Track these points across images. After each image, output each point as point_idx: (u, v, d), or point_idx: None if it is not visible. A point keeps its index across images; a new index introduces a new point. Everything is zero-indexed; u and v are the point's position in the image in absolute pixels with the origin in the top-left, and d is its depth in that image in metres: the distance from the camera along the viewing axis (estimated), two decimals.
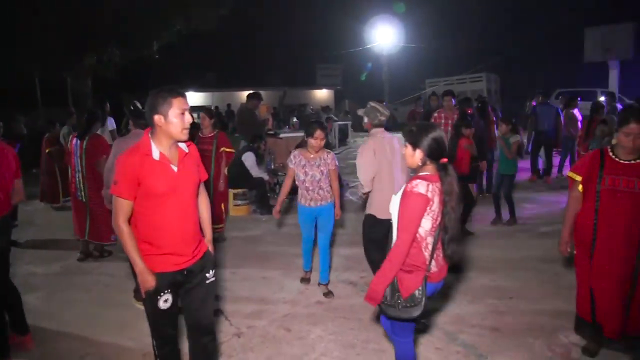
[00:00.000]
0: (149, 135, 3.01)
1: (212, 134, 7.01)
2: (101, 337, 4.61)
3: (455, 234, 3.07)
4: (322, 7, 28.85)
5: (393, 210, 3.14)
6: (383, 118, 5.02)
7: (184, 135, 3.02)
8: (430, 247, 3.05)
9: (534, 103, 12.81)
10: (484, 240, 7.20)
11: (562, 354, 4.12)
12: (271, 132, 10.71)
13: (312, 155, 5.29)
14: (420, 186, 2.96)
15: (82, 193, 6.49)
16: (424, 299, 3.04)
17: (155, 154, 2.98)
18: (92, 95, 18.04)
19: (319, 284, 5.54)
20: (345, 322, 4.79)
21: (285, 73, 28.19)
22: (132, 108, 5.26)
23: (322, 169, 5.26)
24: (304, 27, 29.04)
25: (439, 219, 3.02)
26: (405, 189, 3.02)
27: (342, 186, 9.97)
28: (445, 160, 3.08)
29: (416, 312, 3.03)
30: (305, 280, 5.81)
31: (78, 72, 17.57)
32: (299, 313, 5.00)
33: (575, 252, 4.05)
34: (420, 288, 3.04)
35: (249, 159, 8.91)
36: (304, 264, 5.83)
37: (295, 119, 15.33)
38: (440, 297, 5.25)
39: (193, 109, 6.50)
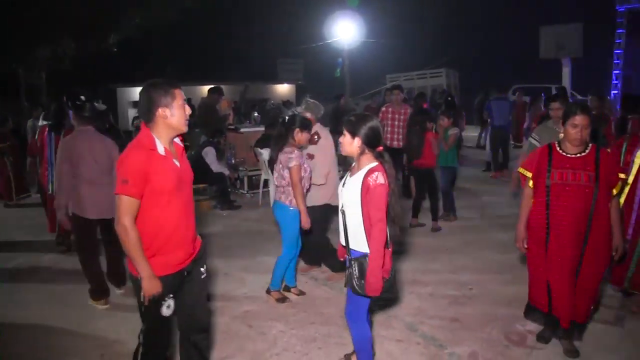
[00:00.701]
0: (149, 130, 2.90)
1: None
2: (57, 338, 4.50)
3: (398, 214, 3.31)
4: (283, 1, 28.70)
5: (347, 200, 3.32)
6: (322, 112, 5.62)
7: (186, 126, 3.00)
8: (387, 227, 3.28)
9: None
10: (444, 233, 7.31)
11: (518, 342, 4.22)
12: (232, 127, 10.60)
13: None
14: (380, 177, 3.17)
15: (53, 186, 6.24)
16: (395, 272, 3.44)
17: (160, 149, 2.88)
18: (47, 89, 17.53)
19: (288, 286, 5.34)
20: (307, 316, 4.79)
21: (246, 67, 27.94)
22: (77, 102, 5.01)
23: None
24: (265, 21, 28.86)
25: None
26: (366, 183, 3.17)
27: None
28: (381, 148, 3.34)
29: (392, 284, 3.40)
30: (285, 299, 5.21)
31: (31, 64, 17.03)
32: (261, 309, 4.98)
33: (530, 246, 4.06)
34: (392, 265, 3.36)
35: (209, 154, 8.81)
36: (287, 279, 5.31)
37: (256, 114, 15.23)
38: (401, 289, 5.32)
39: None
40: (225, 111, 11.62)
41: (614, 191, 3.82)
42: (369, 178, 3.17)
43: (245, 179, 9.81)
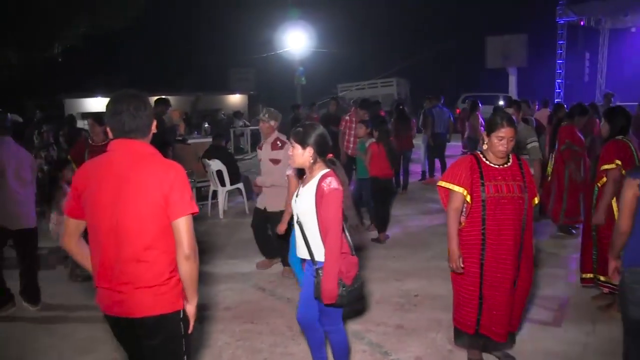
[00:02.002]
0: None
1: (105, 142, 6.65)
2: None
3: (352, 218, 3.40)
4: (234, 11, 28.62)
5: (302, 210, 3.34)
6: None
7: None
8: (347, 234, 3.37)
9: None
10: (390, 242, 7.39)
11: (461, 346, 4.29)
12: (179, 138, 10.47)
13: None
14: (333, 182, 3.20)
15: None
16: (361, 279, 3.41)
17: None
18: None
19: None
20: (253, 327, 4.76)
21: (198, 77, 27.71)
22: None
23: None
24: (216, 31, 28.69)
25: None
26: (320, 189, 3.19)
27: (252, 191, 9.93)
28: (331, 155, 3.38)
29: (361, 291, 3.43)
30: None
31: None
32: (207, 320, 4.92)
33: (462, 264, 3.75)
34: (357, 270, 3.36)
35: None
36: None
37: (207, 125, 15.11)
38: None
39: (98, 115, 6.16)
40: (176, 122, 11.47)
41: (535, 200, 3.79)
42: (322, 184, 3.19)
43: (195, 191, 9.69)
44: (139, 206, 2.47)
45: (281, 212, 5.28)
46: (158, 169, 2.52)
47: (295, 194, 3.44)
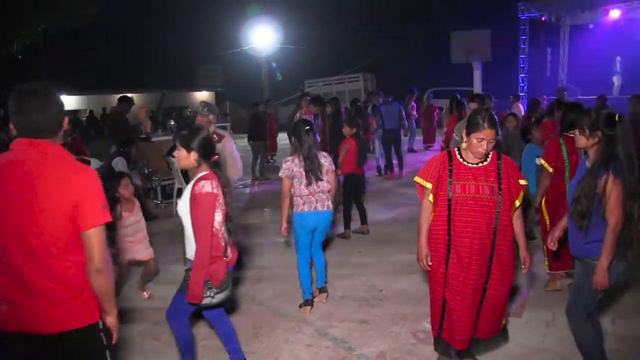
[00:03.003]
0: None
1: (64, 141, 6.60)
2: None
3: (239, 221, 3.36)
4: (199, 7, 28.35)
5: (181, 210, 3.43)
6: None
7: None
8: (225, 236, 3.45)
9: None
10: (355, 237, 7.41)
11: (425, 340, 4.32)
12: (143, 136, 10.33)
13: None
14: (206, 186, 3.26)
15: None
16: (230, 281, 3.48)
17: None
18: None
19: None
20: None
21: (164, 75, 27.37)
22: None
23: None
24: (182, 27, 28.38)
25: (225, 210, 3.42)
26: (193, 191, 3.27)
27: None
28: (215, 158, 3.48)
29: (228, 294, 3.45)
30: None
31: None
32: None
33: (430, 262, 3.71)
34: (227, 273, 3.44)
35: (119, 164, 8.51)
36: (306, 292, 5.01)
37: (173, 122, 14.91)
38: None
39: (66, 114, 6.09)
40: (142, 120, 11.34)
41: (517, 202, 3.55)
42: (195, 186, 3.27)
43: (159, 189, 9.58)
44: (46, 215, 2.26)
45: None
46: (66, 174, 2.30)
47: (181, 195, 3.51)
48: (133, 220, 5.16)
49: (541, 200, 5.21)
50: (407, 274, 5.84)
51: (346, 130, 7.37)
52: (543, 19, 21.20)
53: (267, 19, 23.58)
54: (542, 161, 5.12)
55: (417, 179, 3.70)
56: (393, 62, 28.23)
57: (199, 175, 3.36)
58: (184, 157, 3.39)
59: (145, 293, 5.43)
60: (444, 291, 3.63)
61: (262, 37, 23.64)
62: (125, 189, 5.08)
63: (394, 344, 4.31)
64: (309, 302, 4.97)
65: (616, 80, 19.00)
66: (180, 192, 8.85)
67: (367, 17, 29.45)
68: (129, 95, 10.22)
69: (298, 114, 9.59)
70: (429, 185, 3.61)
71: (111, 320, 2.53)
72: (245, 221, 8.61)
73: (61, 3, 16.93)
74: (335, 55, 27.75)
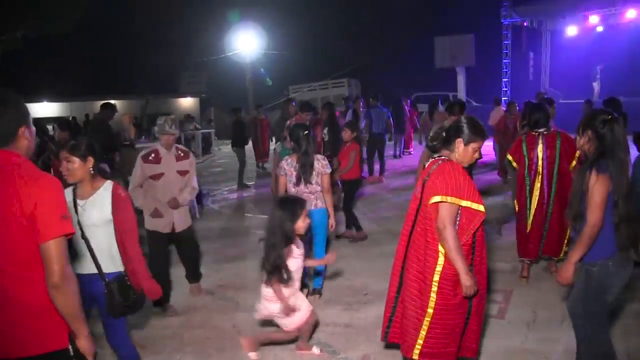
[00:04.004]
0: None
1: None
2: None
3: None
4: (183, 13, 28.24)
5: (93, 221, 3.32)
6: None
7: None
8: None
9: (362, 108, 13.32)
10: (341, 242, 7.44)
11: None
12: (126, 143, 10.29)
13: None
14: (123, 189, 3.42)
15: None
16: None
17: None
18: None
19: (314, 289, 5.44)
20: (202, 332, 4.73)
21: (148, 81, 27.24)
22: None
23: None
24: (165, 34, 28.26)
25: None
26: (117, 195, 3.30)
27: (203, 195, 9.87)
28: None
29: (144, 297, 3.43)
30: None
31: None
32: (154, 328, 4.85)
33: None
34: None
35: (102, 171, 8.49)
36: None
37: (157, 129, 14.81)
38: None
39: (47, 121, 6.00)
40: (126, 127, 11.30)
41: (432, 199, 3.16)
42: (118, 191, 3.32)
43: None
44: (2, 228, 2.10)
45: (189, 229, 5.31)
46: (20, 182, 2.11)
47: (74, 209, 3.22)
48: None
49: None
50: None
51: (347, 134, 7.41)
52: (525, 24, 21.51)
53: (251, 25, 23.62)
54: (510, 157, 5.59)
55: (451, 199, 3.10)
56: (377, 67, 28.36)
57: (109, 182, 3.34)
58: (79, 167, 3.22)
59: None
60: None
61: (246, 43, 23.67)
62: None
63: (379, 347, 4.32)
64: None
65: (596, 85, 19.35)
66: None
67: (351, 23, 29.57)
68: (112, 102, 10.19)
69: (289, 122, 9.63)
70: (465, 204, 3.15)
71: (82, 343, 2.29)
72: (229, 227, 8.62)
73: (42, 8, 16.75)
74: (320, 60, 27.84)
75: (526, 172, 5.45)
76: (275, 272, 3.75)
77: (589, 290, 3.29)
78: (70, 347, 2.28)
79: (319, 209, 5.15)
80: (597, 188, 3.10)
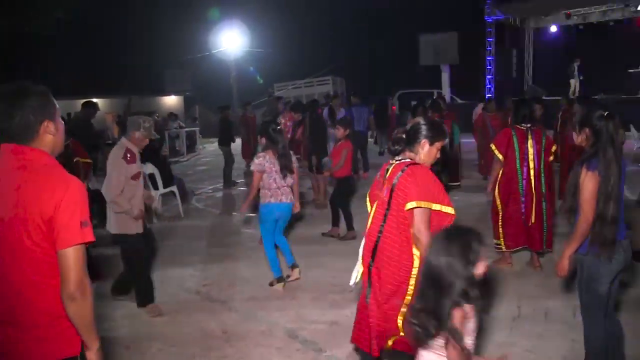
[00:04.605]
0: None
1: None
2: None
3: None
4: (167, 11, 28.11)
5: None
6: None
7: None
8: None
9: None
10: (328, 240, 7.45)
11: None
12: (109, 142, 10.21)
13: None
14: None
15: None
16: None
17: None
18: None
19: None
20: (187, 331, 4.70)
21: (132, 80, 27.03)
22: None
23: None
24: (149, 32, 28.08)
25: None
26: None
27: (187, 194, 9.82)
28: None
29: None
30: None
31: None
32: (139, 328, 4.81)
33: None
34: None
35: None
36: (275, 271, 5.63)
37: (142, 131, 14.67)
38: (282, 297, 5.37)
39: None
40: (109, 125, 11.20)
41: (408, 205, 3.11)
42: None
43: None
44: (18, 231, 2.02)
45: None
46: (43, 185, 2.03)
47: None
48: None
49: (493, 186, 5.80)
50: None
51: (340, 132, 7.41)
52: (508, 22, 21.68)
53: (235, 23, 23.52)
54: (493, 147, 5.73)
55: (424, 203, 3.09)
56: (363, 65, 28.41)
57: None
58: None
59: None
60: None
61: (231, 41, 23.58)
62: None
63: None
64: (281, 279, 5.58)
65: (573, 82, 19.63)
66: None
67: (335, 21, 29.60)
68: (95, 100, 10.11)
69: (280, 120, 9.66)
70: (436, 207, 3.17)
71: (91, 356, 2.18)
72: (214, 226, 8.60)
73: (23, 8, 16.55)
74: (304, 58, 27.82)
75: (518, 165, 5.59)
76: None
77: (581, 281, 3.43)
78: (78, 356, 2.19)
79: (292, 202, 5.57)
80: (586, 184, 3.20)
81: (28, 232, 2.01)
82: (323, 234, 7.45)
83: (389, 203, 3.20)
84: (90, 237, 2.08)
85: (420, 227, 3.07)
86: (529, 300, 5.01)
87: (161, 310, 5.10)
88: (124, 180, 4.73)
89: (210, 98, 25.69)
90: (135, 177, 4.84)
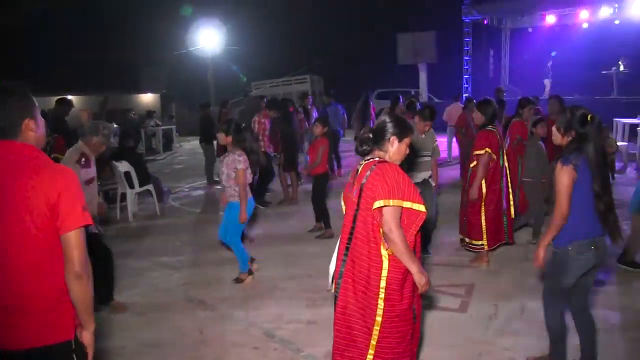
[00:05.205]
0: None
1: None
2: None
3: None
4: (143, 8, 27.75)
5: None
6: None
7: None
8: None
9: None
10: (306, 239, 7.40)
11: None
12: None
13: (226, 154, 5.53)
14: None
15: None
16: None
17: None
18: None
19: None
20: (163, 331, 4.64)
21: (109, 77, 26.65)
22: None
23: (223, 168, 5.44)
24: (125, 29, 27.72)
25: None
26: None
27: (164, 192, 9.71)
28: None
29: None
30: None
31: None
32: (114, 327, 4.73)
33: None
34: None
35: None
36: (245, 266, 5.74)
37: (115, 125, 14.53)
38: (259, 297, 5.32)
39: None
40: (85, 123, 10.98)
41: (376, 204, 3.01)
42: None
43: (101, 194, 9.31)
44: (21, 218, 2.12)
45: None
46: (43, 175, 2.16)
47: None
48: None
49: (478, 187, 5.82)
50: None
51: (318, 129, 7.38)
52: (485, 22, 21.85)
53: (212, 21, 23.35)
54: (489, 150, 5.73)
55: (393, 201, 2.99)
56: (340, 63, 28.39)
57: None
58: None
59: None
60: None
61: (207, 39, 23.39)
62: None
63: None
64: (250, 272, 5.76)
65: (547, 82, 19.88)
66: (124, 197, 8.66)
67: (314, 19, 29.52)
68: (69, 97, 9.92)
69: (257, 118, 9.58)
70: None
71: (87, 335, 2.32)
72: (190, 224, 8.51)
73: None
74: (282, 57, 27.68)
75: (502, 163, 5.78)
76: None
77: (549, 270, 3.62)
78: (74, 339, 2.31)
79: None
80: (559, 179, 3.34)
81: (33, 220, 2.13)
82: (309, 231, 7.46)
83: (358, 203, 3.12)
84: (90, 220, 2.25)
85: (391, 226, 2.97)
86: (506, 298, 5.04)
87: (125, 307, 5.07)
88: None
89: (187, 96, 25.44)
90: (89, 181, 4.78)
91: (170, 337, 4.54)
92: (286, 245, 7.07)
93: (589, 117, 3.37)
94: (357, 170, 3.21)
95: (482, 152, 5.64)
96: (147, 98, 26.84)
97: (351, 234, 3.16)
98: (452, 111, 12.59)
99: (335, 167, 11.75)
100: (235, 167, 5.34)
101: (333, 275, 3.34)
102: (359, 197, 3.09)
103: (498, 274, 5.74)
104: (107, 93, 23.58)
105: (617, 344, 4.22)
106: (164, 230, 8.06)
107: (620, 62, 19.01)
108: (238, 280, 5.67)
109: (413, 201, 3.03)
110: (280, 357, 4.15)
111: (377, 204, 2.98)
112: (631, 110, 15.08)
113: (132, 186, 8.53)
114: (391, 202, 2.97)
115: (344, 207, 3.39)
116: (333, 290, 3.30)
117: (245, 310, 5.01)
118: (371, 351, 3.11)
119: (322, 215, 7.38)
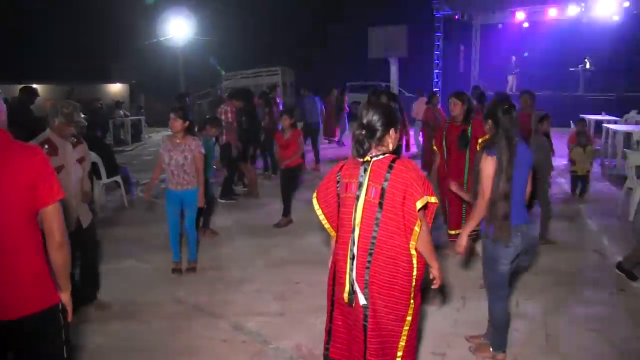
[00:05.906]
0: None
1: None
2: None
3: None
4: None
5: None
6: None
7: None
8: None
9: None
10: (274, 231, 7.38)
11: None
12: None
13: (177, 141, 5.48)
14: None
15: None
16: None
17: None
18: None
19: (188, 260, 5.85)
20: (133, 325, 4.58)
21: (76, 66, 26.06)
22: None
23: (185, 154, 5.45)
24: (94, 17, 27.15)
25: None
26: None
27: (132, 184, 9.56)
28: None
29: None
30: (176, 271, 5.75)
31: None
32: (81, 321, 4.63)
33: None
34: None
35: None
36: (172, 254, 5.75)
37: (82, 115, 14.18)
38: (227, 289, 5.28)
39: None
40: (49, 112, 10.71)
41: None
42: None
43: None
44: (7, 196, 2.27)
45: (93, 225, 4.87)
46: (21, 155, 2.31)
47: None
48: None
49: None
50: (323, 266, 5.82)
51: (286, 121, 7.33)
52: (456, 17, 22.04)
53: (182, 10, 22.98)
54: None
55: (427, 197, 2.85)
56: (311, 56, 28.31)
57: None
58: None
59: None
60: (333, 306, 3.32)
61: (177, 29, 23.03)
62: None
63: (311, 335, 4.30)
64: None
65: (511, 78, 20.19)
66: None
67: (285, 11, 29.35)
68: (34, 86, 9.68)
69: (224, 108, 9.45)
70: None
71: (65, 297, 2.56)
72: (158, 216, 8.40)
73: None
74: (253, 48, 27.47)
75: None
76: None
77: (485, 261, 3.79)
78: (60, 302, 2.52)
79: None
80: (484, 167, 3.55)
81: (17, 197, 2.28)
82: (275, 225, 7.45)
83: (380, 204, 2.86)
84: (63, 194, 2.42)
85: (421, 220, 2.84)
86: (473, 291, 5.09)
87: (108, 305, 4.97)
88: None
89: (156, 86, 25.06)
90: (57, 170, 4.25)
91: (137, 330, 4.48)
92: (254, 237, 7.03)
93: (504, 107, 3.59)
94: (365, 169, 2.92)
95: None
96: (116, 88, 26.37)
97: (374, 237, 2.90)
98: (418, 106, 12.74)
99: (314, 161, 11.74)
100: (200, 151, 5.55)
101: (351, 284, 3.03)
102: (381, 197, 2.85)
103: (466, 266, 5.78)
104: (74, 82, 23.09)
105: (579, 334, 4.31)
106: (132, 221, 7.95)
107: (586, 60, 19.42)
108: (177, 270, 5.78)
109: (432, 194, 2.90)
110: (248, 350, 4.12)
111: (419, 204, 2.80)
112: (597, 107, 15.44)
113: (99, 177, 8.37)
114: (432, 199, 2.85)
115: (319, 210, 3.34)
116: (350, 301, 3.03)
117: (213, 302, 4.97)
118: (399, 353, 2.98)
119: (285, 203, 7.47)
